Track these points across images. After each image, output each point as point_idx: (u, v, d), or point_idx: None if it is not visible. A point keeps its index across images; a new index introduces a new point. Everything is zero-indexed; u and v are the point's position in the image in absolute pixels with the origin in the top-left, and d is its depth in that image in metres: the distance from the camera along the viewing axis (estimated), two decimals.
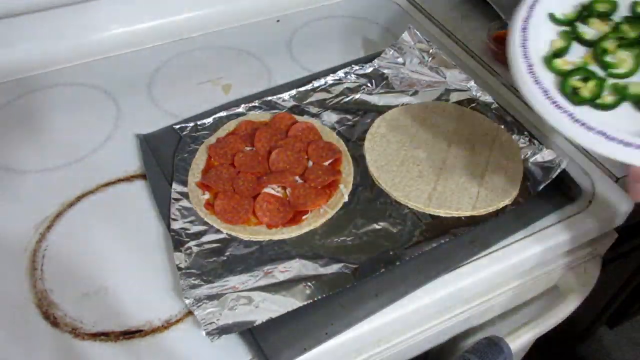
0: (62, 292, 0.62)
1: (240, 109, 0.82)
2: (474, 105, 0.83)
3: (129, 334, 0.59)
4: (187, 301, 0.59)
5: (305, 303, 0.59)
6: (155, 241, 0.67)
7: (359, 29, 1.02)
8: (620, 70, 0.56)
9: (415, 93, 0.85)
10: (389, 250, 0.64)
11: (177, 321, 0.60)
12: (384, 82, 0.87)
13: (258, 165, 0.73)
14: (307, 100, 0.84)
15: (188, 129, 0.79)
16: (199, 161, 0.74)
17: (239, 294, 0.60)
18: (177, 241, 0.65)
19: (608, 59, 0.57)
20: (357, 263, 0.63)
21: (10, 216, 0.70)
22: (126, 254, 0.66)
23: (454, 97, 0.84)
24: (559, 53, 0.58)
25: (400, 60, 0.89)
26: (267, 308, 0.58)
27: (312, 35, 1.00)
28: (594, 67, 0.57)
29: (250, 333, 0.58)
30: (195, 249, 0.65)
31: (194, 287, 0.61)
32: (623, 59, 0.57)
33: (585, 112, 0.53)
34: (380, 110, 0.82)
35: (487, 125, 0.80)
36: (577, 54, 0.59)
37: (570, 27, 0.60)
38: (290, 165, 0.73)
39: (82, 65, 0.91)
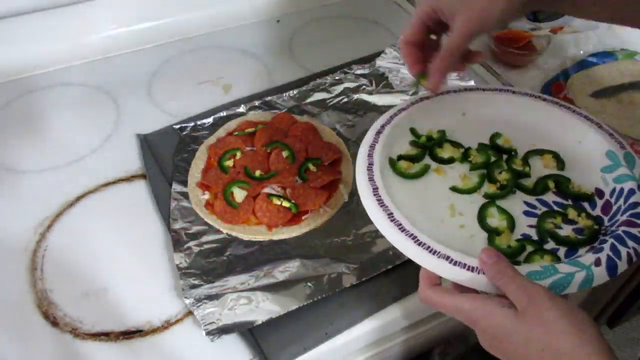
0: (62, 292, 0.62)
1: (241, 109, 0.82)
2: None
3: (129, 334, 0.59)
4: (187, 301, 0.59)
5: (305, 303, 0.59)
6: (155, 241, 0.67)
7: (359, 29, 1.02)
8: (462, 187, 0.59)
9: (415, 93, 0.85)
10: (388, 250, 0.64)
11: (177, 321, 0.60)
12: (384, 82, 0.87)
13: (258, 165, 0.73)
14: (307, 100, 0.84)
15: (188, 129, 0.79)
16: (199, 161, 0.74)
17: (239, 294, 0.60)
18: (177, 241, 0.65)
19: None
20: (357, 263, 0.63)
21: (10, 216, 0.70)
22: (126, 254, 0.66)
23: None
24: (407, 157, 0.61)
25: (400, 60, 0.89)
26: (267, 308, 0.58)
27: (312, 35, 1.00)
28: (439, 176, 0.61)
29: (250, 333, 0.58)
30: (195, 249, 0.65)
31: (194, 287, 0.61)
32: (468, 177, 0.60)
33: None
34: (380, 110, 0.82)
35: None
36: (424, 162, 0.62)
37: (426, 144, 0.63)
38: (290, 165, 0.73)
39: (82, 65, 0.91)
